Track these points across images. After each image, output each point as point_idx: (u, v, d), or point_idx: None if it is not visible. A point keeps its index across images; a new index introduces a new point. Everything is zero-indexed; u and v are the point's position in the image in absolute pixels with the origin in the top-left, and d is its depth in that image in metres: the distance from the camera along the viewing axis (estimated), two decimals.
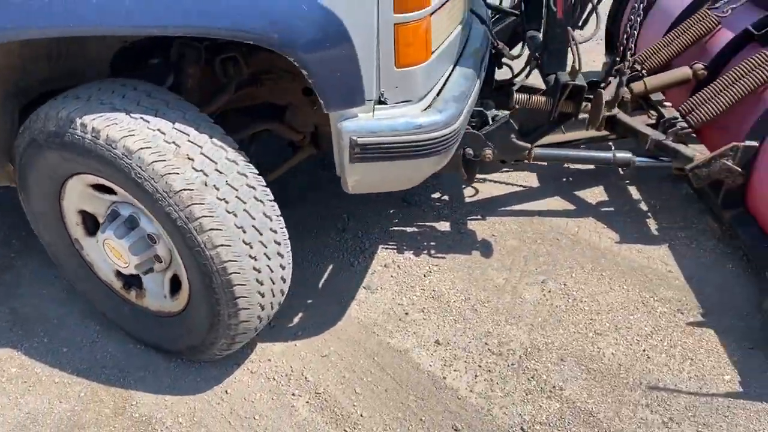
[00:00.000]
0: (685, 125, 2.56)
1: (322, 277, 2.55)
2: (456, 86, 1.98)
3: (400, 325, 2.31)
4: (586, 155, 2.73)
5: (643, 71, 3.00)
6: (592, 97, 2.45)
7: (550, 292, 2.43)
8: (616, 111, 2.73)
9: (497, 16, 3.02)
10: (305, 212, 2.89)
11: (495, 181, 3.12)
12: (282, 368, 2.16)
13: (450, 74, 2.03)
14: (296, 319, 2.36)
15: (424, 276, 2.54)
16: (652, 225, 2.76)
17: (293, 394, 2.06)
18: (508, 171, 3.14)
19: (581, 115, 2.62)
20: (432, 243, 2.73)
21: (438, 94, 1.91)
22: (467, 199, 3.02)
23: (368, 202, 2.96)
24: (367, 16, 1.66)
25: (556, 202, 2.95)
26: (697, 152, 2.48)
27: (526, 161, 2.67)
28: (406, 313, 2.36)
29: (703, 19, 2.91)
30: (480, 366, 2.13)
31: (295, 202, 2.94)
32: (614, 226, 2.77)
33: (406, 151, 1.81)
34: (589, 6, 2.71)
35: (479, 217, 2.88)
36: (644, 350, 2.16)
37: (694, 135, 2.70)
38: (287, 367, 2.16)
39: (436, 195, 3.05)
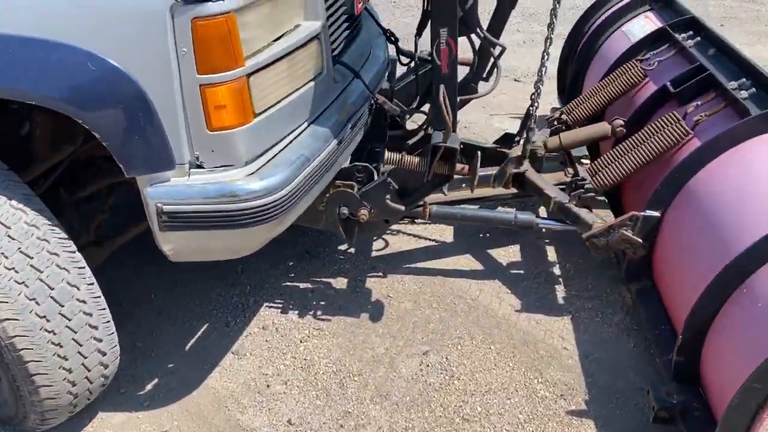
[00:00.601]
0: (590, 188, 2.36)
1: (191, 339, 2.39)
2: (298, 149, 1.82)
3: (257, 398, 2.13)
4: (485, 215, 2.54)
5: (569, 123, 2.81)
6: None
7: (428, 366, 2.23)
8: (525, 168, 2.54)
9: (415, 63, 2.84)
10: (196, 264, 2.73)
11: (407, 234, 2.93)
12: None
13: (299, 134, 1.87)
14: (149, 386, 2.19)
15: (301, 341, 2.35)
16: (560, 292, 2.54)
17: None
18: (423, 223, 2.96)
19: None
20: (322, 302, 2.55)
21: (274, 157, 1.75)
22: (374, 253, 2.83)
23: (267, 253, 2.79)
24: (166, 77, 1.52)
25: (465, 261, 2.75)
26: (598, 219, 2.27)
27: (422, 220, 2.52)
28: (268, 386, 2.18)
29: (629, 70, 2.72)
30: None
31: None
32: (519, 291, 2.56)
33: (222, 220, 1.65)
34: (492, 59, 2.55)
35: (380, 274, 2.69)
36: None
37: (602, 198, 2.51)
38: None
39: (343, 247, 2.88)
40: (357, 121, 2.12)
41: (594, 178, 2.37)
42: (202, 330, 2.42)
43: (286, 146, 1.81)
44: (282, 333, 2.40)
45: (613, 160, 2.35)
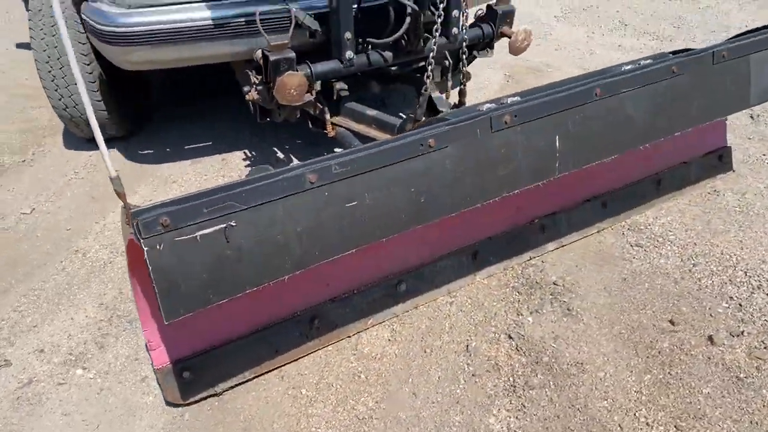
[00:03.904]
0: None
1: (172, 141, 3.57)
2: (175, 12, 2.73)
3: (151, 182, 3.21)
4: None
5: None
6: None
7: None
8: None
9: None
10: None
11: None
12: None
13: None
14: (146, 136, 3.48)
15: (217, 174, 3.29)
16: None
17: None
18: None
19: None
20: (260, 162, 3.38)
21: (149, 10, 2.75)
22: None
23: (284, 129, 3.67)
24: None
25: None
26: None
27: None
28: (168, 182, 3.22)
29: None
30: None
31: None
32: None
33: (102, 35, 2.73)
34: None
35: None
36: None
37: None
38: None
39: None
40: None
41: None
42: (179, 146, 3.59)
43: (170, 8, 2.76)
44: (204, 169, 3.35)
45: None
